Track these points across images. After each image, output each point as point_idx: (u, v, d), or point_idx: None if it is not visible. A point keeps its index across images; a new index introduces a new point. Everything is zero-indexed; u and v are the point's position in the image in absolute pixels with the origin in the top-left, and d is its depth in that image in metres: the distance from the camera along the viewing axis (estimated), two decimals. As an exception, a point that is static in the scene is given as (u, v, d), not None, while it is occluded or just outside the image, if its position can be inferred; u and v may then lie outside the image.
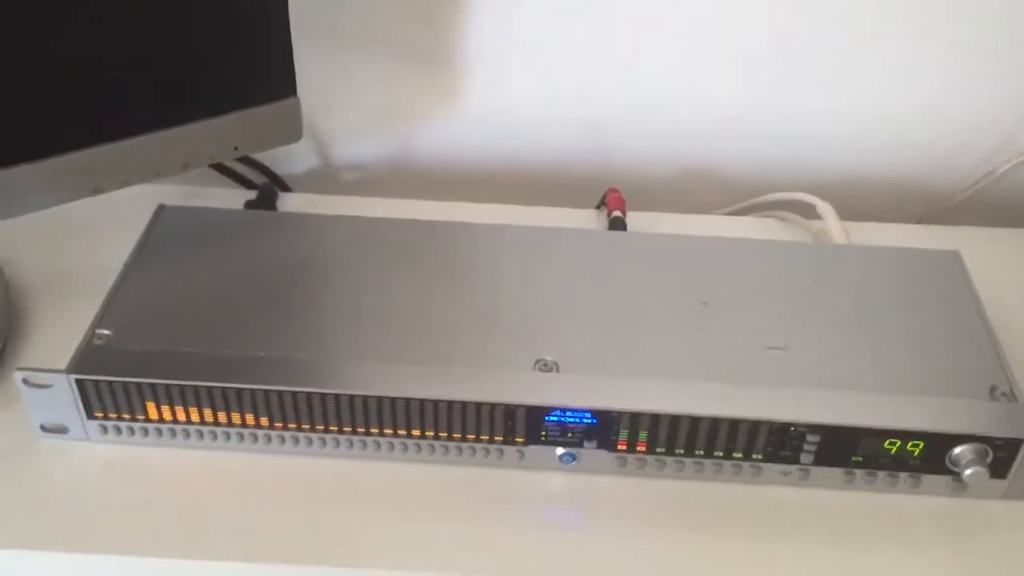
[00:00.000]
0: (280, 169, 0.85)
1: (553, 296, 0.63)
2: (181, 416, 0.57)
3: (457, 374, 0.57)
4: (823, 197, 0.78)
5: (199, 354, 0.57)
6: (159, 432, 0.58)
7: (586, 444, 0.57)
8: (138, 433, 0.58)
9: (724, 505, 0.58)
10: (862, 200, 0.86)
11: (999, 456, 0.55)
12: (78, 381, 0.56)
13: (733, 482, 0.58)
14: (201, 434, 0.58)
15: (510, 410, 0.56)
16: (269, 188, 0.81)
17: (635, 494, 0.58)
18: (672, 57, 0.80)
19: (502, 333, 0.60)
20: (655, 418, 0.56)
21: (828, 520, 0.57)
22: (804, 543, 0.56)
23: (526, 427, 0.57)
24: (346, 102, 0.84)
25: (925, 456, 0.56)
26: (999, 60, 0.79)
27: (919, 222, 0.85)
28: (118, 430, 0.58)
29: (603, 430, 0.57)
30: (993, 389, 0.57)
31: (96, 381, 0.56)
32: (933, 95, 0.81)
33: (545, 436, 0.57)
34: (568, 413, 0.56)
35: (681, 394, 0.56)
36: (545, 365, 0.58)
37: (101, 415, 0.58)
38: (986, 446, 0.55)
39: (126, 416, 0.58)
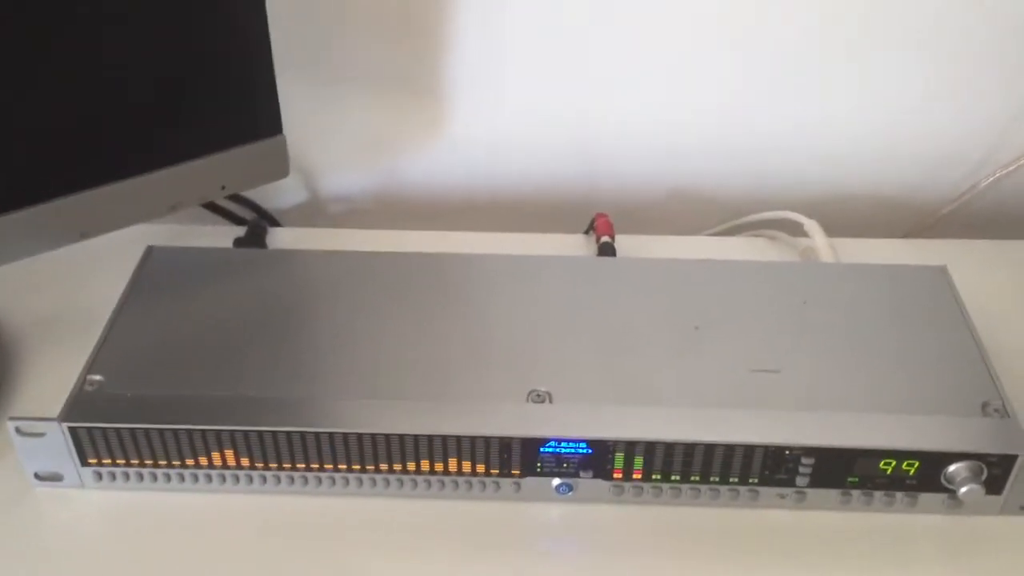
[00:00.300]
0: (268, 204, 0.85)
1: (544, 325, 0.63)
2: (175, 460, 0.57)
3: (451, 408, 0.57)
4: (810, 214, 0.79)
5: (191, 397, 0.57)
6: (154, 477, 0.58)
7: (582, 474, 0.57)
8: (133, 478, 0.58)
9: (722, 530, 0.57)
10: (849, 216, 0.86)
11: (994, 472, 0.56)
12: (71, 429, 0.56)
13: (730, 507, 0.59)
14: (196, 477, 0.58)
15: (505, 443, 0.56)
16: (258, 224, 0.81)
17: (633, 522, 0.58)
18: (655, 77, 0.80)
19: (494, 365, 0.60)
20: (650, 446, 0.56)
21: (827, 541, 0.57)
22: (803, 565, 0.56)
23: (521, 459, 0.57)
24: (331, 134, 0.84)
25: (921, 475, 0.56)
26: (981, 73, 0.79)
27: (906, 236, 0.86)
28: (113, 476, 0.58)
29: (598, 459, 0.57)
30: (985, 405, 0.58)
31: (89, 428, 0.56)
32: (916, 110, 0.81)
33: (540, 468, 0.57)
34: (563, 444, 0.56)
35: (675, 421, 0.56)
36: (538, 396, 0.58)
37: (95, 462, 0.57)
38: (981, 463, 0.55)
39: (120, 462, 0.57)
